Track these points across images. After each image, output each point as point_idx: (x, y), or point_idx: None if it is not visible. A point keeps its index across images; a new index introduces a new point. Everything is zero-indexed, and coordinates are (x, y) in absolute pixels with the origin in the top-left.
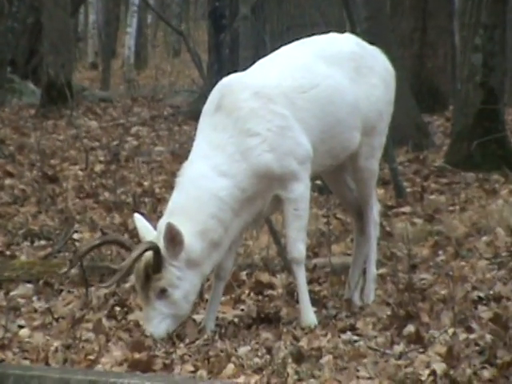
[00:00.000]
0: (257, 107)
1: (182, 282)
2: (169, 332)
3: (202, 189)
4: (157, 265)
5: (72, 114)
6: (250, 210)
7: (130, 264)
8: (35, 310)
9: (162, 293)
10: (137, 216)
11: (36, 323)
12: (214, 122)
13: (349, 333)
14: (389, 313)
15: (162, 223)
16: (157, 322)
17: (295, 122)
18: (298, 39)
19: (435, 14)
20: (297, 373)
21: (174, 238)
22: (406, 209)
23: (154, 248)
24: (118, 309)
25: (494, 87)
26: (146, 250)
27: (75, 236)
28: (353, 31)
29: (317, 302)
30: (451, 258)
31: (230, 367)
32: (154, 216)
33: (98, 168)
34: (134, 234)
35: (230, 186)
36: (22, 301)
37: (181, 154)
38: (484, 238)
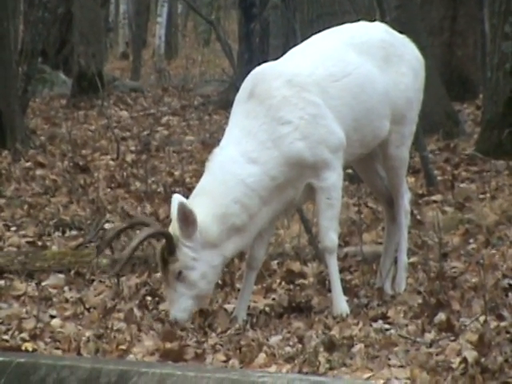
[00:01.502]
0: (289, 95)
1: (197, 262)
2: (192, 313)
3: (230, 173)
4: (170, 248)
5: (103, 104)
6: (281, 198)
7: (131, 252)
8: (67, 300)
9: (180, 275)
10: (175, 196)
11: (67, 313)
12: (247, 109)
13: (380, 321)
14: (420, 301)
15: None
16: (179, 304)
17: (328, 110)
18: (328, 28)
19: (465, 2)
20: (328, 361)
21: (186, 217)
22: (437, 197)
23: (156, 233)
24: (149, 298)
25: None
26: (148, 237)
27: (106, 226)
28: (383, 19)
29: (348, 290)
30: (482, 246)
31: (262, 356)
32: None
33: (129, 158)
34: (166, 223)
35: (259, 173)
36: (53, 291)
37: (211, 144)
38: None
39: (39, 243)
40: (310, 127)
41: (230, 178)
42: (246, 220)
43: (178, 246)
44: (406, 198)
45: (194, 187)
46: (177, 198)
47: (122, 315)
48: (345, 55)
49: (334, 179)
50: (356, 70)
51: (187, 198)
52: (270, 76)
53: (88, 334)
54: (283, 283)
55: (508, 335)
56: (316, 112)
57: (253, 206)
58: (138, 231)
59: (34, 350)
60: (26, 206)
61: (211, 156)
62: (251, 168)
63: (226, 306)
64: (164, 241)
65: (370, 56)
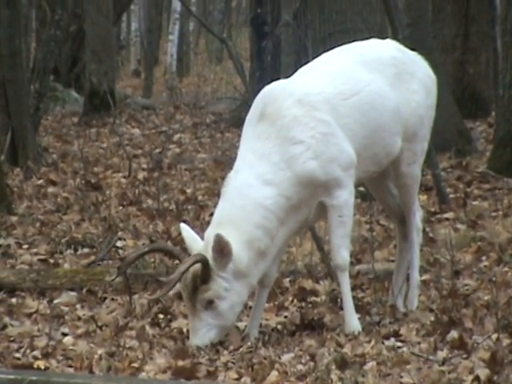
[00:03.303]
0: (300, 115)
1: (229, 293)
2: (211, 342)
3: (247, 198)
4: (205, 276)
5: (115, 122)
6: (296, 217)
7: (179, 277)
8: (79, 318)
9: (209, 304)
10: (183, 226)
11: (80, 331)
12: (258, 130)
13: (392, 339)
14: (432, 319)
15: (209, 234)
16: (202, 333)
17: (338, 128)
18: (339, 45)
19: (477, 20)
20: (340, 379)
21: (222, 249)
22: (449, 215)
23: (203, 260)
24: (161, 316)
25: None
26: (195, 263)
27: (118, 244)
28: (395, 37)
29: (360, 308)
30: (494, 263)
31: (274, 374)
32: (197, 223)
33: (141, 175)
34: (178, 241)
35: (275, 194)
36: (65, 309)
37: (223, 161)
38: None
39: (51, 261)
40: (322, 146)
41: (248, 202)
42: (269, 243)
43: (212, 276)
44: (418, 216)
45: (206, 205)
46: (185, 229)
47: (134, 333)
48: (355, 73)
49: (345, 197)
50: (366, 87)
51: (199, 216)
52: (280, 96)
53: (100, 351)
54: (295, 301)
55: None
56: (327, 130)
57: (272, 229)
58: (156, 255)
59: (46, 368)
60: (37, 224)
61: (226, 181)
62: (267, 190)
63: (238, 324)
64: (199, 268)
65: (380, 73)
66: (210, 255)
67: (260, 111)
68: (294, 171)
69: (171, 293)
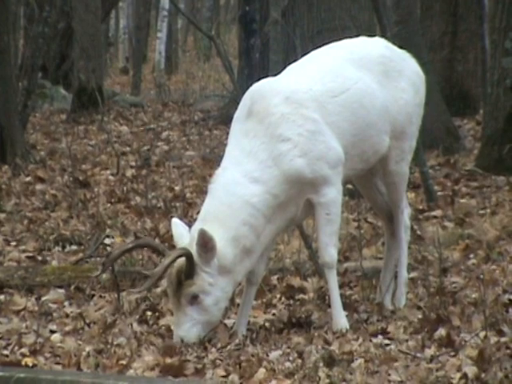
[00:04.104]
0: (287, 112)
1: (213, 288)
2: (199, 337)
3: (235, 195)
4: (189, 271)
5: (103, 119)
6: (283, 215)
7: (163, 270)
8: (67, 315)
9: (194, 299)
10: (175, 221)
11: (68, 328)
12: (246, 128)
13: (380, 336)
14: (420, 316)
15: (194, 230)
16: (187, 328)
17: (326, 126)
18: (328, 43)
19: (465, 18)
20: (328, 377)
21: (206, 244)
22: (437, 212)
23: (187, 254)
24: (149, 313)
25: None
26: (179, 257)
27: (106, 241)
28: (383, 35)
29: (348, 306)
30: (482, 261)
31: (262, 371)
32: (185, 220)
33: (129, 173)
34: (166, 238)
35: (262, 192)
36: (53, 306)
37: (211, 159)
38: None
39: (39, 258)
40: (309, 144)
41: (234, 199)
42: (255, 240)
43: (196, 271)
44: (406, 214)
45: (194, 202)
46: (176, 224)
47: (122, 330)
48: (343, 71)
49: (333, 195)
50: (354, 85)
51: (187, 213)
52: (267, 93)
53: (88, 348)
54: (283, 298)
55: (508, 351)
56: (314, 128)
57: (259, 226)
58: (144, 252)
59: (34, 365)
60: (26, 221)
61: (213, 178)
62: (254, 188)
63: (226, 321)
64: (184, 263)
65: (368, 71)
66: (194, 250)
67: (248, 109)
68: (282, 169)
69: (159, 290)
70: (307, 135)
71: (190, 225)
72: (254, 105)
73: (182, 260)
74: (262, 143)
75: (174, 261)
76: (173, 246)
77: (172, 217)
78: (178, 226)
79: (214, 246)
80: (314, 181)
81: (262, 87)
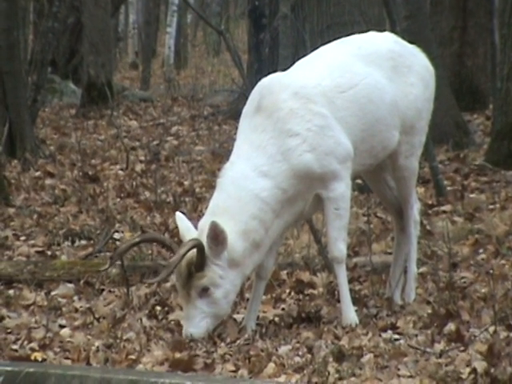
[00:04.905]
0: (296, 107)
1: (223, 281)
2: (208, 331)
3: (244, 189)
4: (200, 263)
5: (112, 114)
6: (291, 210)
7: (179, 260)
8: (76, 310)
9: (204, 291)
10: (179, 215)
11: (77, 323)
12: (255, 123)
13: (389, 331)
14: (429, 311)
15: (204, 223)
16: (197, 321)
17: (335, 121)
18: (337, 38)
19: (475, 13)
20: (338, 372)
21: (217, 236)
22: (447, 207)
23: (200, 245)
24: (158, 308)
25: None
26: (194, 247)
27: (116, 236)
28: (392, 30)
29: (357, 300)
30: (491, 256)
31: (271, 366)
32: (194, 215)
33: (139, 168)
34: (175, 233)
35: (271, 186)
36: (63, 301)
37: (221, 154)
38: None
39: (49, 253)
40: (318, 138)
41: (244, 194)
42: (263, 234)
43: (207, 263)
44: (415, 209)
45: (203, 197)
46: (181, 218)
47: (131, 325)
48: (352, 66)
49: (342, 189)
50: (363, 80)
51: (196, 208)
52: (276, 88)
53: (97, 343)
54: (292, 293)
55: None
56: (323, 123)
57: (268, 220)
58: (154, 246)
59: (44, 360)
60: (35, 216)
61: (222, 172)
62: (263, 182)
63: (235, 316)
64: (194, 255)
65: (378, 66)
66: (204, 243)
67: (256, 104)
68: (291, 164)
69: (168, 284)
70: (316, 130)
71: (197, 221)
72: (263, 100)
73: (193, 252)
74: (271, 138)
75: (189, 250)
76: (181, 241)
77: (181, 212)
78: (182, 219)
79: (226, 239)
80: (322, 176)
81: (271, 82)
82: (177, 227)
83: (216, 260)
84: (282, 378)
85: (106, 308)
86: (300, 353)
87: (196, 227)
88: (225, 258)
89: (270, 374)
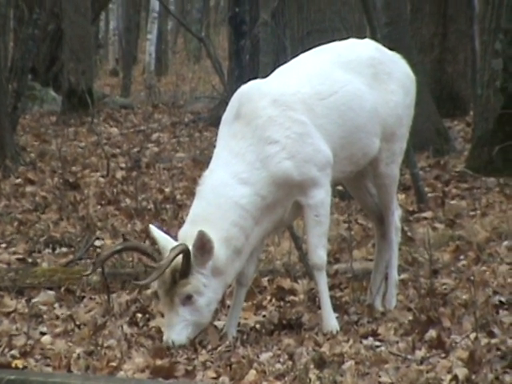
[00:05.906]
0: (275, 115)
1: (206, 289)
2: (189, 339)
3: (223, 197)
4: (185, 270)
5: (93, 121)
6: (271, 217)
7: (169, 263)
8: (57, 317)
9: (188, 299)
10: (152, 227)
11: (58, 330)
12: (234, 130)
13: (370, 338)
14: (410, 318)
15: (184, 231)
16: (179, 329)
17: (314, 128)
18: (318, 44)
19: (455, 19)
20: (319, 378)
21: (204, 245)
22: (427, 214)
23: (187, 251)
24: (139, 315)
25: None
26: (182, 252)
27: (97, 243)
28: (373, 37)
29: (338, 307)
30: (472, 262)
31: (252, 373)
32: (175, 222)
33: (119, 175)
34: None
35: (251, 193)
36: (43, 308)
37: (202, 160)
38: (505, 243)
39: (29, 260)
40: (297, 146)
41: (223, 201)
42: (244, 241)
43: (191, 271)
44: (396, 215)
45: (184, 204)
46: (155, 230)
47: (112, 332)
48: (332, 73)
49: (321, 196)
50: (343, 88)
51: (177, 215)
52: (255, 96)
53: (78, 350)
54: (273, 300)
55: (499, 352)
56: (302, 131)
57: (248, 227)
58: (134, 254)
59: (25, 367)
60: (16, 223)
61: (201, 180)
62: (243, 189)
63: (217, 323)
64: (179, 262)
65: (358, 74)
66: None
67: (236, 111)
68: (270, 171)
69: (149, 291)
70: (295, 137)
71: (178, 229)
72: (242, 107)
73: (178, 259)
74: (250, 145)
75: (179, 254)
76: (161, 251)
77: (154, 224)
78: (157, 231)
79: (212, 248)
80: (302, 183)
81: (250, 89)
82: (154, 238)
83: (201, 269)
84: None
85: (87, 315)
86: (281, 360)
87: (174, 237)
88: (209, 267)
89: (252, 380)
